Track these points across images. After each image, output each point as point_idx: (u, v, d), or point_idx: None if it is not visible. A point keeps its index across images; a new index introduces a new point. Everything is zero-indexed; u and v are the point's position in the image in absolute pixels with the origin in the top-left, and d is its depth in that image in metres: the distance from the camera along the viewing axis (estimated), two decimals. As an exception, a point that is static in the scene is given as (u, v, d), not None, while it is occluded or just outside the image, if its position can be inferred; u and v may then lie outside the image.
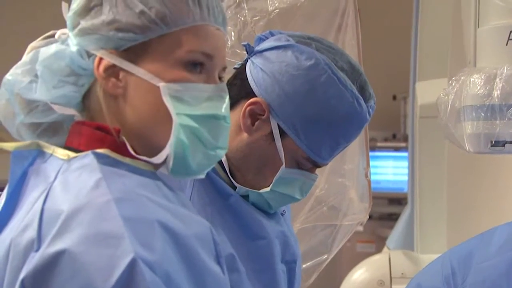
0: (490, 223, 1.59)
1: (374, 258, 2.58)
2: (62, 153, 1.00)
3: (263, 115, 1.31)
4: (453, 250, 1.63)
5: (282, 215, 1.42)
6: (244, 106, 1.32)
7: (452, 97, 1.43)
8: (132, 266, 0.87)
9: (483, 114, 1.37)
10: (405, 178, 3.01)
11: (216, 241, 1.01)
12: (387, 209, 3.69)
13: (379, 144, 4.26)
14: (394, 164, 4.12)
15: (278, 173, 1.32)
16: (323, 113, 1.29)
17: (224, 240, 1.26)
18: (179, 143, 0.99)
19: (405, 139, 4.02)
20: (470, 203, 2.18)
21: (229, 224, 1.31)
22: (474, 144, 1.41)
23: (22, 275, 0.89)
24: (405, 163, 3.35)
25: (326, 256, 2.02)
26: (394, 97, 4.60)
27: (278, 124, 1.31)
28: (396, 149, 4.21)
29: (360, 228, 2.49)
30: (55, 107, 1.02)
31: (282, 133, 1.31)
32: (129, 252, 0.88)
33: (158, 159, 1.01)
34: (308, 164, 1.34)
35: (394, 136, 4.47)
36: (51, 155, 1.00)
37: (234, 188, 1.34)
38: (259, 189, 1.33)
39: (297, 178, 1.34)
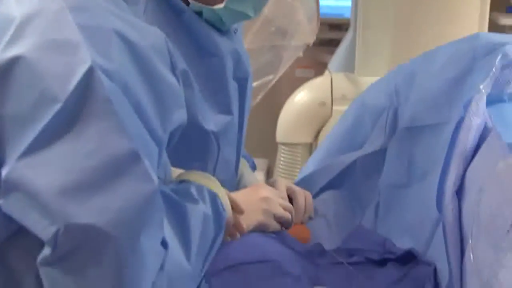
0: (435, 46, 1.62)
1: (316, 81, 2.63)
2: None
3: None
4: (397, 70, 1.68)
5: (235, 33, 1.43)
6: None
7: None
8: (89, 73, 0.88)
9: None
10: (347, 3, 3.01)
11: (171, 52, 1.02)
12: (328, 34, 3.70)
13: (320, -31, 4.21)
14: (335, -11, 4.11)
15: None
16: None
17: (178, 56, 1.27)
18: None
19: (348, -36, 3.98)
20: (416, 27, 2.21)
21: (182, 41, 1.31)
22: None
23: None
24: (346, -11, 3.34)
25: (272, 76, 2.05)
26: None
27: None
28: (338, -26, 4.17)
29: (300, 53, 2.52)
30: None
31: None
32: (86, 59, 0.88)
33: None
34: None
35: (336, -39, 4.42)
36: None
37: (188, 4, 1.34)
38: (213, 5, 1.33)
39: (250, -5, 1.34)
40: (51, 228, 0.84)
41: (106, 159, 0.87)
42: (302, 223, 1.51)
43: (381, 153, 1.60)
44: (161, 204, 0.90)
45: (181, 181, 1.10)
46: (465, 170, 1.36)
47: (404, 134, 1.52)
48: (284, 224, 1.43)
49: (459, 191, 1.36)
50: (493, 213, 1.21)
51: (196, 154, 1.30)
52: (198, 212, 1.01)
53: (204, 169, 1.30)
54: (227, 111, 1.36)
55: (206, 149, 1.31)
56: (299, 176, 1.84)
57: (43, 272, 0.87)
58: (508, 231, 1.15)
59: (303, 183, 1.68)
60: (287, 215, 1.42)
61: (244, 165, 1.56)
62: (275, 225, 1.42)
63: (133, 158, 0.88)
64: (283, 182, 1.52)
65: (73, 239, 0.85)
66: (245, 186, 1.51)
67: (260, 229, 1.39)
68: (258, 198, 1.39)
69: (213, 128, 1.31)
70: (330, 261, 1.35)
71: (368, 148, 1.65)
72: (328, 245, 1.42)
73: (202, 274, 1.04)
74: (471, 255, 1.25)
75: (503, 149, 1.25)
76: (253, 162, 1.66)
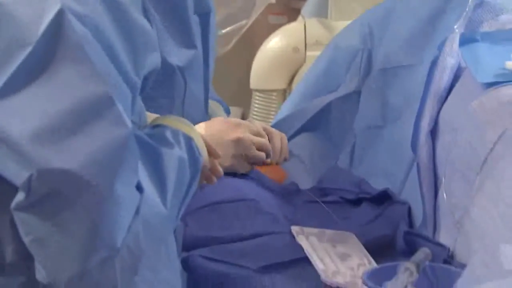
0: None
1: (289, 27, 2.61)
2: None
3: None
4: (370, 11, 1.67)
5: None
6: None
7: None
8: (60, 16, 0.87)
9: None
10: None
11: None
12: (300, -20, 3.68)
13: None
14: None
15: None
16: None
17: None
18: None
19: None
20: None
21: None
22: None
23: None
24: None
25: (245, 22, 2.03)
26: None
27: None
28: None
29: (272, 0, 2.49)
30: None
31: None
32: (56, 2, 0.87)
33: None
34: None
35: None
36: None
37: None
38: None
39: None
40: (24, 173, 0.84)
41: (79, 103, 0.86)
42: (277, 164, 1.52)
43: (356, 95, 1.61)
44: (135, 148, 0.90)
45: (156, 126, 1.09)
46: (439, 110, 1.37)
47: (378, 76, 1.53)
48: (257, 163, 1.43)
49: (433, 132, 1.37)
50: (465, 152, 1.23)
51: (163, 90, 1.29)
52: (173, 156, 1.00)
53: (172, 106, 1.29)
54: (191, 45, 1.33)
55: (172, 84, 1.30)
56: (273, 121, 1.84)
57: (18, 218, 0.86)
58: (480, 169, 1.17)
59: (278, 126, 1.68)
60: (260, 155, 1.42)
61: (218, 108, 1.56)
62: (245, 167, 1.42)
63: (107, 101, 0.87)
64: (258, 123, 1.52)
65: (47, 184, 0.84)
66: None
67: (231, 170, 1.39)
68: (230, 140, 1.39)
69: (178, 62, 1.29)
70: (305, 200, 1.37)
71: (343, 91, 1.66)
72: (303, 186, 1.43)
73: (179, 218, 1.04)
74: (444, 194, 1.27)
75: (476, 89, 1.26)
76: (227, 107, 1.65)
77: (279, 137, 1.51)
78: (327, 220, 1.32)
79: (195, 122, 1.15)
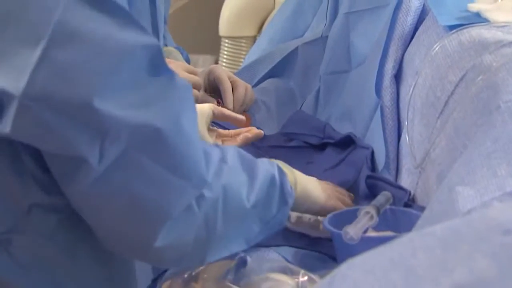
0: None
1: None
2: None
3: None
4: None
5: None
6: None
7: None
8: None
9: None
10: None
11: None
12: None
13: None
14: None
15: None
16: None
17: None
18: None
19: None
20: None
21: None
22: None
23: None
24: None
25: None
26: None
27: None
28: None
29: None
30: None
31: None
32: None
33: None
34: None
35: None
36: None
37: None
38: None
39: None
40: (94, 140, 0.81)
41: (138, 58, 0.83)
42: (244, 111, 1.51)
43: (322, 40, 1.59)
44: (186, 83, 0.89)
45: None
46: (403, 54, 1.36)
47: (344, 20, 1.51)
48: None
49: (398, 75, 1.36)
50: (427, 95, 1.22)
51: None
52: (268, 170, 1.02)
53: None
54: None
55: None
56: (241, 67, 1.82)
57: (91, 193, 0.84)
58: (441, 112, 1.17)
59: (245, 71, 1.67)
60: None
61: (178, 54, 1.52)
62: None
63: (159, 52, 0.85)
64: (223, 70, 1.50)
65: (121, 143, 0.82)
66: None
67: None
68: None
69: None
70: (269, 144, 1.36)
71: (309, 36, 1.64)
72: (268, 130, 1.43)
73: (255, 240, 1.02)
74: (407, 137, 1.27)
75: (439, 32, 1.25)
76: (187, 56, 1.61)
77: (244, 87, 1.50)
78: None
79: None
